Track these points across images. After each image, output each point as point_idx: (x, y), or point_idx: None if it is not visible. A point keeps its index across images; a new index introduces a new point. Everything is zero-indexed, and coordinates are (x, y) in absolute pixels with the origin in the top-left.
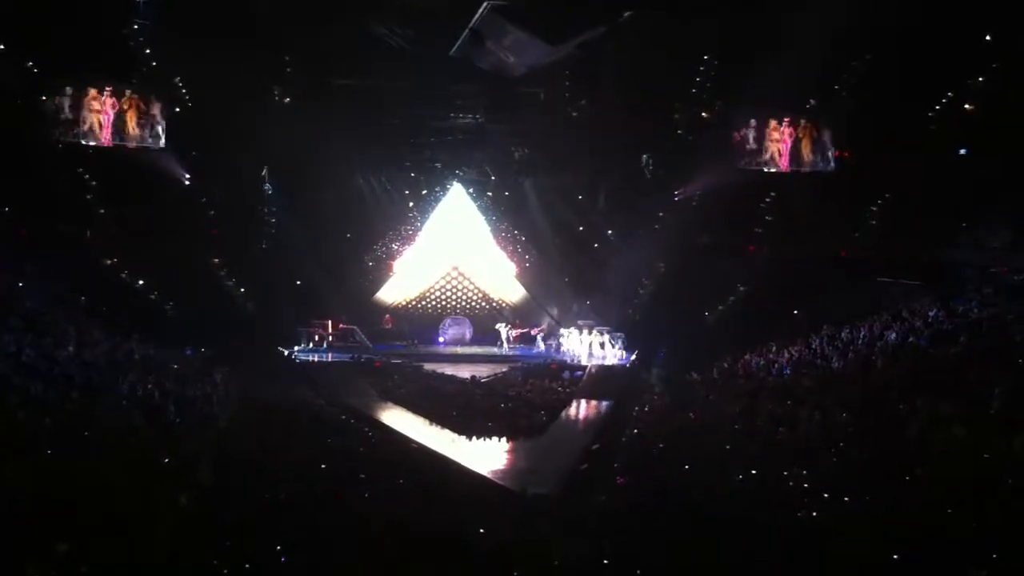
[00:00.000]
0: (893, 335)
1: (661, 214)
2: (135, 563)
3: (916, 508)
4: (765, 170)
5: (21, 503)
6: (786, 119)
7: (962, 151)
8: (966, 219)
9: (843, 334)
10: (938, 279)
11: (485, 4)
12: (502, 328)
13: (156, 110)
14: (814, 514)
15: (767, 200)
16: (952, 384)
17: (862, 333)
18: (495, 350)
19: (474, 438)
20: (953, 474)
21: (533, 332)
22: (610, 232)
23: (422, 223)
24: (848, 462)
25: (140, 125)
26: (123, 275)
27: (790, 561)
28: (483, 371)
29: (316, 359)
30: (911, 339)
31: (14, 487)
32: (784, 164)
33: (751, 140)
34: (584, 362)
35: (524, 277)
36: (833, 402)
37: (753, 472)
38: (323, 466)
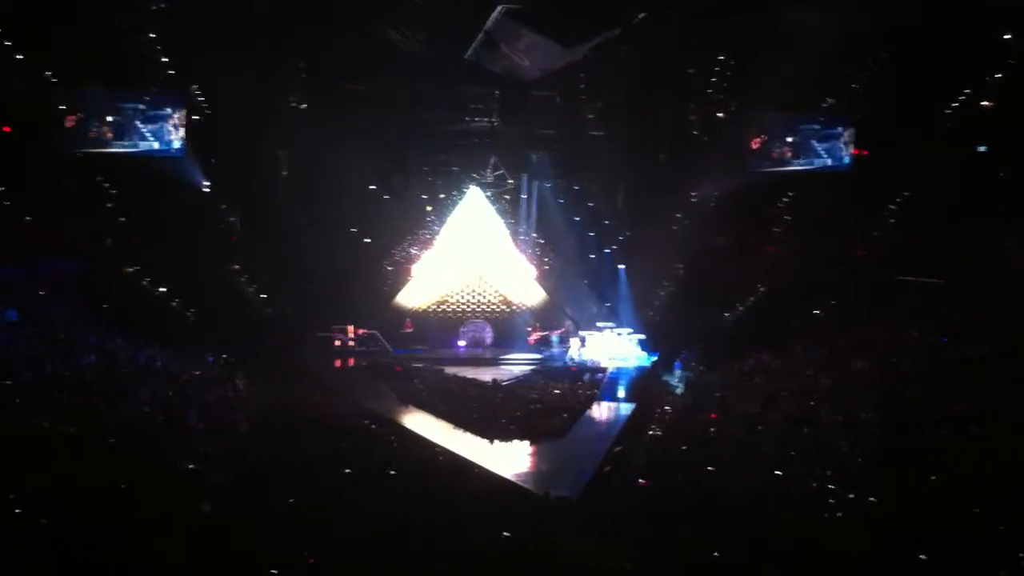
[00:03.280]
0: (913, 335)
1: (679, 215)
2: (156, 567)
3: (938, 508)
4: (782, 170)
5: (44, 510)
6: (803, 118)
7: (981, 148)
8: (986, 217)
9: (863, 334)
10: (958, 278)
11: (499, 7)
12: (554, 336)
13: (174, 117)
14: (837, 514)
15: (785, 200)
16: (972, 384)
17: (882, 333)
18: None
19: (496, 441)
20: (974, 474)
21: (553, 335)
22: (628, 233)
23: (440, 227)
24: (869, 462)
25: (158, 132)
26: (144, 282)
27: (811, 561)
28: (504, 374)
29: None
30: (931, 339)
31: (37, 494)
32: (801, 163)
33: (768, 140)
34: (604, 364)
35: (543, 280)
36: (853, 402)
37: (774, 473)
38: (345, 470)
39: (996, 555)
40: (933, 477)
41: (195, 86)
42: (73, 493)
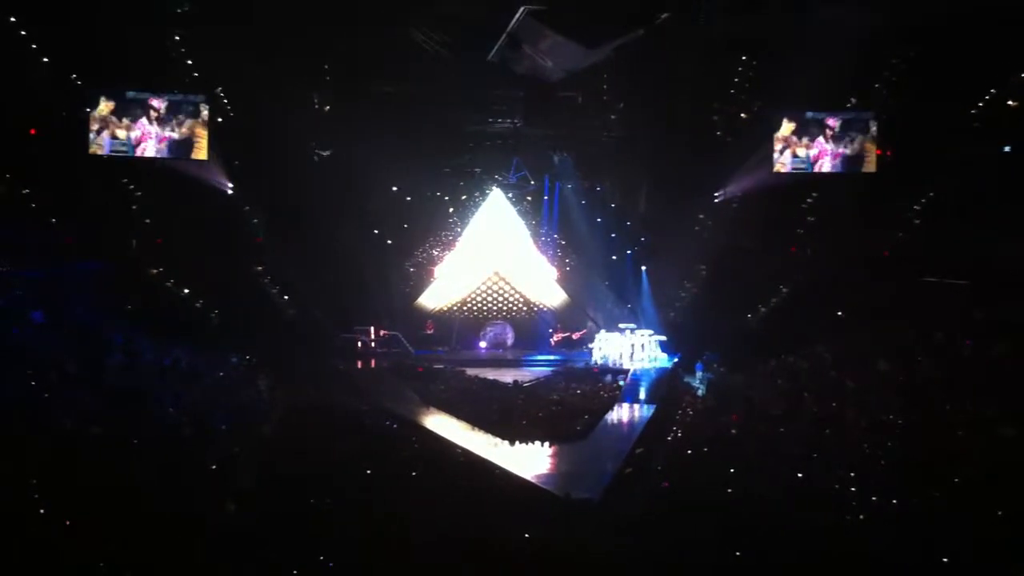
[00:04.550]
0: (939, 335)
1: (701, 216)
2: (177, 568)
3: (964, 510)
4: (805, 170)
5: (68, 510)
6: (827, 118)
7: (1006, 148)
8: (1010, 218)
9: (888, 334)
10: (984, 278)
11: (522, 8)
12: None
13: (198, 119)
14: (860, 516)
15: (808, 201)
16: (999, 385)
17: (908, 334)
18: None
19: (517, 442)
20: (1000, 475)
21: (575, 336)
22: (650, 234)
23: (462, 228)
24: (894, 463)
25: (184, 135)
26: (168, 283)
27: (833, 562)
28: (525, 375)
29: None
30: (956, 340)
31: (62, 495)
32: (825, 164)
33: (790, 140)
34: (626, 365)
35: (565, 281)
36: (878, 403)
37: (798, 474)
38: (367, 471)
39: (1020, 558)
40: (957, 479)
41: (219, 88)
42: (97, 494)
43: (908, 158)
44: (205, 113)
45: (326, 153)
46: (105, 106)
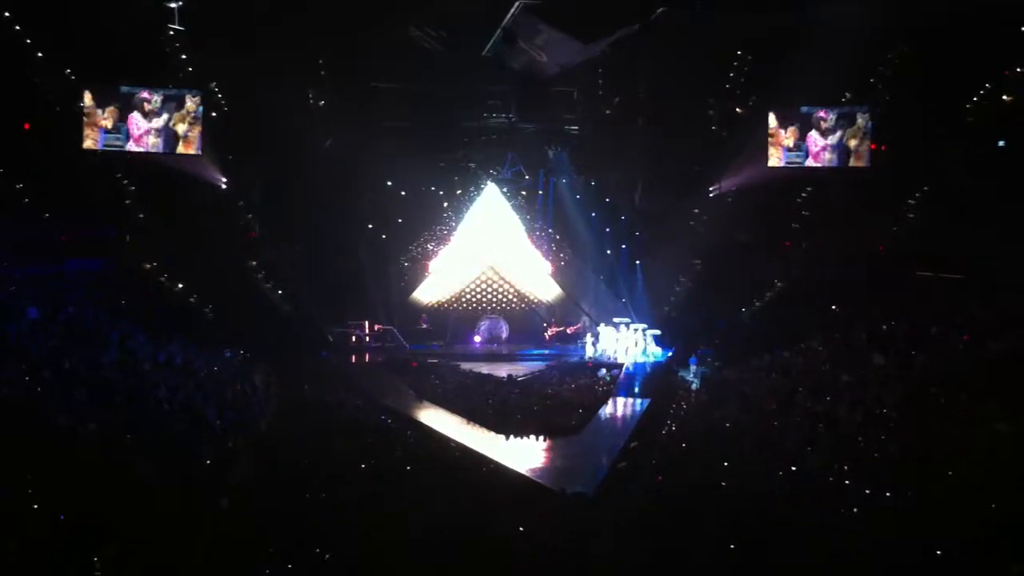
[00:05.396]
0: (935, 330)
1: (696, 211)
2: (178, 566)
3: (959, 505)
4: (801, 165)
5: (65, 508)
6: (822, 114)
7: (1001, 143)
8: (1006, 213)
9: (883, 330)
10: (980, 274)
11: (517, 4)
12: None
13: (193, 115)
14: (855, 511)
15: (803, 196)
16: (995, 381)
17: (903, 329)
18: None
19: (511, 436)
20: (996, 471)
21: (569, 330)
22: (645, 229)
23: (457, 223)
24: (889, 459)
25: (177, 130)
26: (163, 279)
27: (832, 558)
28: (520, 370)
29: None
30: (953, 335)
31: (59, 492)
32: (820, 159)
33: (786, 135)
34: (621, 360)
35: (559, 276)
36: (873, 399)
37: (792, 469)
38: (362, 466)
39: (1014, 552)
40: (952, 473)
41: (215, 84)
42: (93, 490)
43: (903, 153)
44: (199, 108)
45: (327, 144)
46: (99, 101)
